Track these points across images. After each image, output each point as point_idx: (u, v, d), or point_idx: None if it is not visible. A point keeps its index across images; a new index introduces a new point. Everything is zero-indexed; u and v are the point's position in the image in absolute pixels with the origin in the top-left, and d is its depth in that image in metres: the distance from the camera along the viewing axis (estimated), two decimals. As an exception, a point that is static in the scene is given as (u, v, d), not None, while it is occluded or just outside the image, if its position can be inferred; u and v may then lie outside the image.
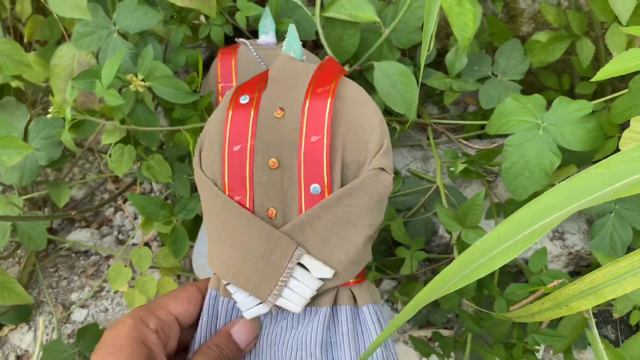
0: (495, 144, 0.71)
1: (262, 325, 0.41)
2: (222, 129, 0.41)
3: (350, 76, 0.68)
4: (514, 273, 0.70)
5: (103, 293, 0.75)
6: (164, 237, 0.68)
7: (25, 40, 0.76)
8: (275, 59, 0.45)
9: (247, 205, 0.40)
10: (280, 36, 0.69)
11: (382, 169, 0.39)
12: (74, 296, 0.75)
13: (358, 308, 0.41)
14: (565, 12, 0.66)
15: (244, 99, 0.41)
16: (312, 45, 0.82)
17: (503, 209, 0.67)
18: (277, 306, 0.39)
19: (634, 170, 0.32)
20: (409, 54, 0.74)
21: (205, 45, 0.76)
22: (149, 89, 0.57)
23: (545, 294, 0.49)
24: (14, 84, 0.69)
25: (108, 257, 0.79)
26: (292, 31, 0.46)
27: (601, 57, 0.70)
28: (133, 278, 0.76)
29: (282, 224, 0.39)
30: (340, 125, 0.40)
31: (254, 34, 0.74)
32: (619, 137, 0.59)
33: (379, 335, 0.39)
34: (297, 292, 0.39)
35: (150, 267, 0.67)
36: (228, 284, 0.40)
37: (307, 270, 0.39)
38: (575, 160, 0.62)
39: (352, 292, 0.40)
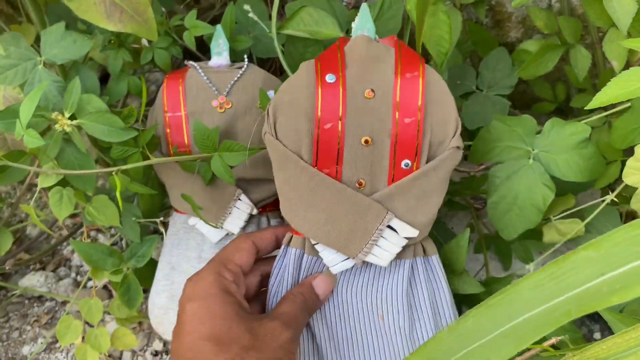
0: (483, 166, 0.64)
1: (346, 278, 0.47)
2: (311, 106, 0.44)
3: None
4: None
5: (57, 345, 0.68)
6: (115, 285, 0.61)
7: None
8: (352, 40, 0.47)
9: (336, 177, 0.45)
10: (239, 55, 0.62)
11: (458, 147, 0.45)
12: (25, 349, 0.68)
13: (428, 258, 0.47)
14: (557, 18, 0.58)
15: (330, 78, 0.45)
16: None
17: (493, 243, 0.59)
18: (362, 261, 0.45)
19: (632, 254, 0.24)
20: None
21: (158, 70, 0.69)
22: (79, 127, 0.49)
23: (542, 352, 0.42)
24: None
25: (65, 303, 0.72)
26: (364, 10, 0.48)
27: (598, 65, 0.62)
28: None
29: (370, 193, 0.45)
30: (428, 108, 0.44)
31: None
32: (623, 162, 0.52)
33: (444, 280, 0.47)
34: (386, 249, 0.44)
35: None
36: (316, 243, 0.45)
37: (395, 231, 0.44)
38: (572, 187, 0.54)
39: (422, 245, 0.47)
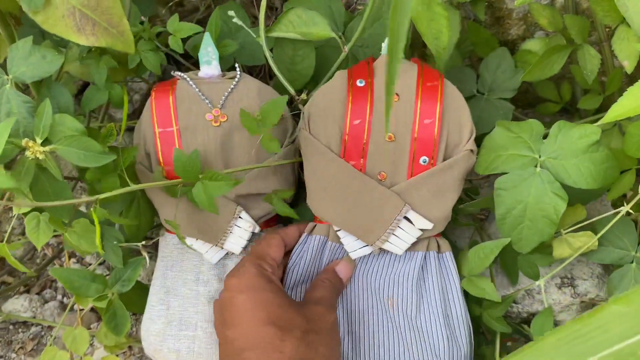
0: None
1: (363, 264, 0.51)
2: (343, 106, 0.49)
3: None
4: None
5: (44, 373, 0.65)
6: (101, 311, 0.57)
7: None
8: (380, 56, 0.52)
9: (360, 169, 0.49)
10: (226, 61, 0.58)
11: (472, 151, 0.49)
12: (10, 378, 0.65)
13: (441, 254, 0.51)
14: (562, 14, 0.55)
15: (360, 82, 0.50)
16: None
17: (499, 257, 0.56)
18: (380, 249, 0.49)
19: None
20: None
21: (141, 80, 0.65)
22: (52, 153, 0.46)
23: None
24: None
25: (51, 328, 0.69)
26: None
27: (606, 63, 0.58)
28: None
29: (390, 186, 0.49)
30: (445, 113, 0.49)
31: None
32: (638, 170, 0.48)
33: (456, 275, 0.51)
34: (402, 238, 0.49)
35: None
36: (339, 230, 0.50)
37: (411, 222, 0.48)
38: (581, 197, 0.51)
39: (437, 242, 0.51)
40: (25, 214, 0.52)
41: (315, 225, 0.52)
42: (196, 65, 0.63)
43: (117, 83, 0.56)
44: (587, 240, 0.48)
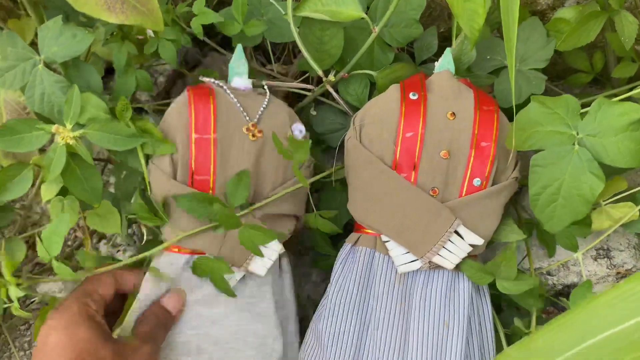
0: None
1: (409, 278, 0.50)
2: (396, 117, 0.50)
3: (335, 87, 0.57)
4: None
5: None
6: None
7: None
8: (434, 74, 0.52)
9: (411, 182, 0.49)
10: (252, 40, 0.57)
11: (516, 178, 0.51)
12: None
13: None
14: (596, -19, 0.53)
15: (413, 95, 0.50)
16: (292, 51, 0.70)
17: (535, 230, 0.55)
18: (430, 263, 0.49)
19: None
20: (407, 50, 0.62)
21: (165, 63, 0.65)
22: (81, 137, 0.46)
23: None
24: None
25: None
26: (448, 55, 0.53)
27: (642, 30, 0.57)
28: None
29: (441, 202, 0.49)
30: (499, 139, 0.50)
31: (224, 44, 0.62)
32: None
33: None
34: (453, 252, 0.48)
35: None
36: (387, 241, 0.50)
37: (461, 237, 0.48)
38: (616, 168, 0.49)
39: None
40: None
41: (360, 237, 0.52)
42: (222, 44, 0.62)
43: (141, 66, 0.56)
44: (627, 211, 0.47)
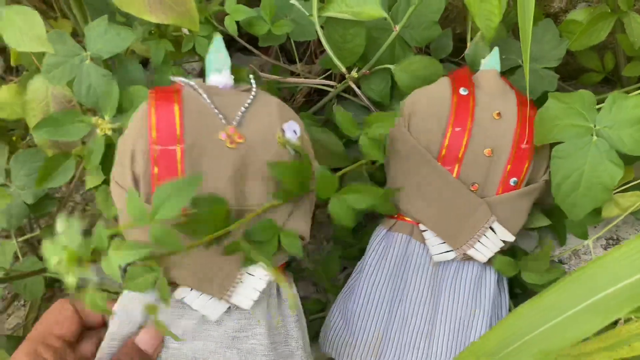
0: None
1: (440, 267, 0.52)
2: (447, 111, 0.51)
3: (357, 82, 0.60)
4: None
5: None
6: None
7: (12, 64, 0.70)
8: (481, 71, 0.55)
9: (454, 175, 0.51)
10: (276, 39, 0.61)
11: (546, 181, 0.53)
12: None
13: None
14: (607, -16, 0.56)
15: (463, 91, 0.52)
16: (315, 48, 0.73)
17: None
18: (464, 255, 0.51)
19: None
20: (424, 50, 0.65)
21: (196, 60, 0.69)
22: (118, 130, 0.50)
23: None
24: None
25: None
26: (495, 53, 0.54)
27: (651, 31, 0.60)
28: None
29: (479, 197, 0.51)
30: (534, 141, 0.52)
31: (252, 41, 0.66)
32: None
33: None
34: (487, 246, 0.50)
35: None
36: (425, 230, 0.52)
37: (495, 233, 0.50)
38: (626, 157, 0.52)
39: None
40: (96, 188, 0.56)
41: (396, 222, 0.53)
42: (252, 42, 0.65)
43: (175, 64, 0.60)
44: (636, 200, 0.50)
